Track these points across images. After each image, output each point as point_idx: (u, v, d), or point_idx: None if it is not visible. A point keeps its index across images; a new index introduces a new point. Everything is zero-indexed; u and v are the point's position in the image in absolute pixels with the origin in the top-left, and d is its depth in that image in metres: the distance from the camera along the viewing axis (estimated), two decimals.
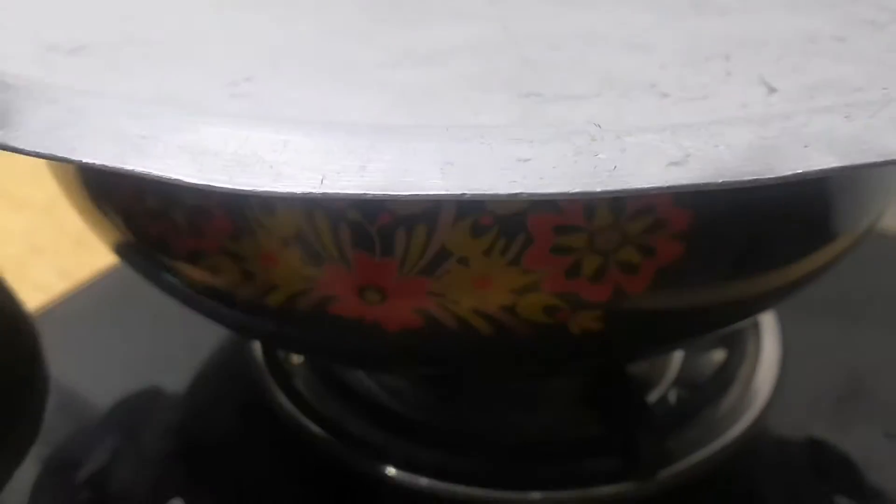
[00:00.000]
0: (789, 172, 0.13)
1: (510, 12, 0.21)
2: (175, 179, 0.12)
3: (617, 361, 0.24)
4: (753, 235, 0.18)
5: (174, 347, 0.32)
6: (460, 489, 0.26)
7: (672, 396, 0.29)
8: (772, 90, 0.17)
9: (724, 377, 0.29)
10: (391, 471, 0.26)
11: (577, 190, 0.12)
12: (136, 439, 0.28)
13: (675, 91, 0.17)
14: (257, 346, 0.30)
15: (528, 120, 0.15)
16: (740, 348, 0.30)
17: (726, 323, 0.22)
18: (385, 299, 0.18)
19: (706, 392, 0.28)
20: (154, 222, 0.19)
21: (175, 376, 0.30)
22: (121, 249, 0.22)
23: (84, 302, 0.34)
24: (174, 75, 0.16)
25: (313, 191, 0.12)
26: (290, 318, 0.19)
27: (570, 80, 0.17)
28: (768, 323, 0.31)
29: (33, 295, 0.32)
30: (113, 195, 0.19)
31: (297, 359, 0.30)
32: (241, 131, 0.12)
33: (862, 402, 0.29)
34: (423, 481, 0.26)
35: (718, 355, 0.30)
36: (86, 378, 0.30)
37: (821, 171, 0.13)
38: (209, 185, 0.12)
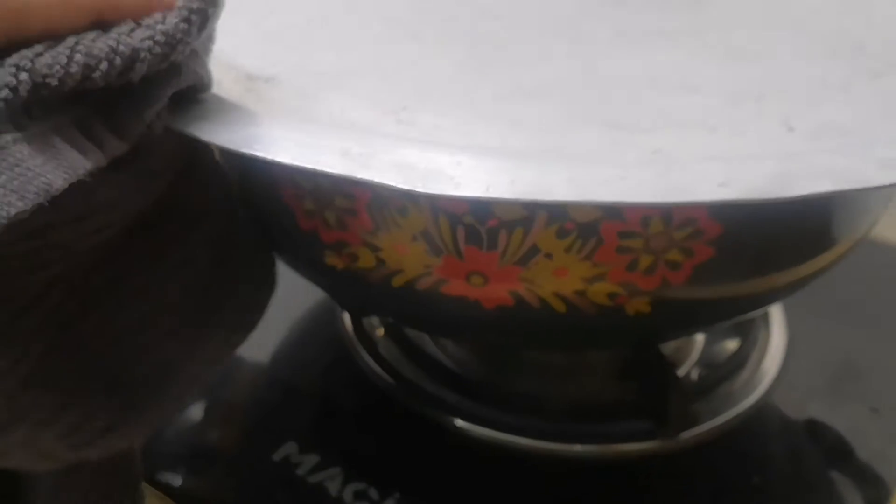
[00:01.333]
0: (798, 193, 0.18)
1: (588, 56, 0.27)
2: (391, 186, 0.17)
3: (657, 338, 0.29)
4: (767, 244, 0.24)
5: (275, 320, 0.37)
6: (515, 439, 0.31)
7: (695, 374, 0.35)
8: (791, 129, 0.23)
9: (738, 360, 0.35)
10: (458, 422, 0.32)
11: (657, 200, 0.17)
12: (248, 395, 0.34)
13: (720, 126, 0.23)
14: (346, 321, 0.36)
15: (613, 146, 0.21)
16: (752, 337, 0.36)
17: (745, 310, 0.28)
18: (486, 282, 0.23)
19: (723, 371, 0.34)
20: (308, 218, 0.24)
21: (276, 344, 0.36)
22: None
23: None
24: (349, 103, 0.22)
25: (482, 195, 0.17)
26: (409, 295, 0.24)
27: (639, 115, 0.23)
28: (776, 317, 0.37)
29: None
30: (275, 196, 0.25)
31: (380, 331, 0.35)
32: (427, 153, 0.18)
33: (853, 383, 0.34)
34: (485, 432, 0.31)
35: (734, 342, 0.36)
36: None
37: (820, 193, 0.18)
38: (413, 190, 0.17)
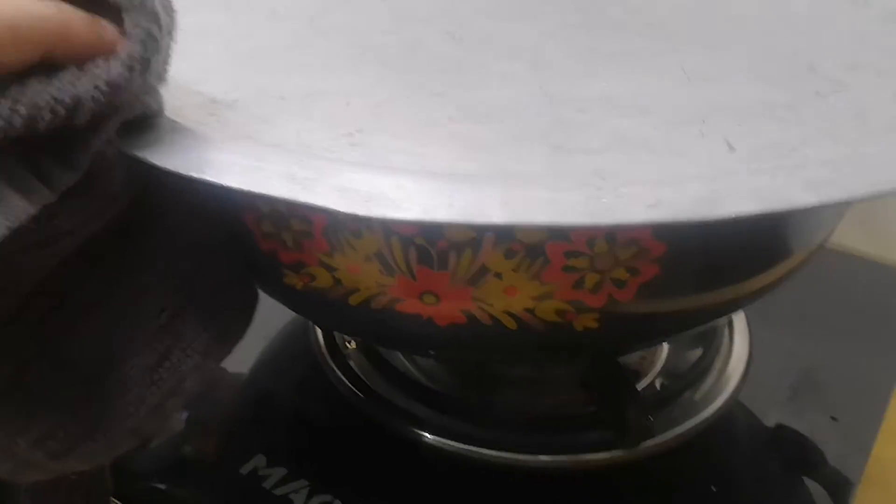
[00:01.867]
0: (723, 215, 0.18)
1: (546, 78, 0.27)
2: (332, 209, 0.18)
3: (609, 352, 0.30)
4: (713, 260, 0.25)
5: (247, 333, 0.38)
6: (481, 452, 0.32)
7: (657, 383, 0.35)
8: (732, 149, 0.24)
9: (701, 369, 0.35)
10: (426, 436, 0.32)
11: (586, 222, 0.18)
12: (223, 408, 0.34)
13: (661, 148, 0.23)
14: (318, 335, 0.37)
15: (557, 168, 0.21)
16: (715, 346, 0.36)
17: (696, 324, 0.28)
18: (439, 301, 0.24)
19: (686, 380, 0.35)
20: (267, 240, 0.25)
21: (249, 358, 0.37)
22: None
23: None
24: (305, 126, 0.23)
25: (420, 218, 0.18)
26: (365, 313, 0.25)
27: (588, 136, 0.24)
28: (739, 326, 0.38)
29: None
30: (237, 218, 0.25)
31: (351, 344, 0.36)
32: (371, 177, 0.18)
33: (812, 392, 0.35)
34: (452, 444, 0.32)
35: (697, 351, 0.37)
36: None
37: (744, 214, 0.18)
38: (354, 213, 0.17)
